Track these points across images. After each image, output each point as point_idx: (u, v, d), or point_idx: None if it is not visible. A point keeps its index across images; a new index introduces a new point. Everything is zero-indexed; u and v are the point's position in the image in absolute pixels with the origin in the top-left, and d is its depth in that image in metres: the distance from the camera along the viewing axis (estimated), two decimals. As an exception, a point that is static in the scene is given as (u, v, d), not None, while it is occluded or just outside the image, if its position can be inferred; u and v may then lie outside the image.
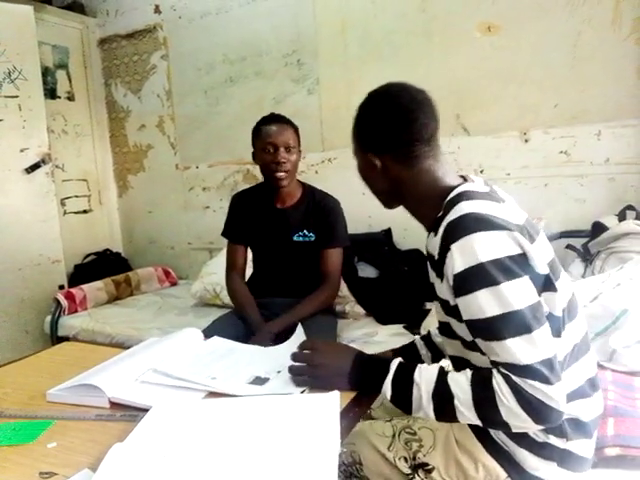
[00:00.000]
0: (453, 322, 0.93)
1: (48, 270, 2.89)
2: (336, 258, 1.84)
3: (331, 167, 2.81)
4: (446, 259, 0.85)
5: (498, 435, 0.93)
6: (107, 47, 3.48)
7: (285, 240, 1.83)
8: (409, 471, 0.98)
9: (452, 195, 0.92)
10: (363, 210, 2.62)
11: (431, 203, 0.95)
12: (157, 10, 3.23)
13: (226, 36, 3.01)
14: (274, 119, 1.79)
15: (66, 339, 2.39)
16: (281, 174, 1.74)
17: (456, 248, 0.83)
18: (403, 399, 0.87)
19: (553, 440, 0.89)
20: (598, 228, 2.07)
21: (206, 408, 0.87)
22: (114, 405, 0.92)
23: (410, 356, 1.19)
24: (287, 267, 1.85)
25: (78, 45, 3.38)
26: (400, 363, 0.91)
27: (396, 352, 1.21)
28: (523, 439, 0.91)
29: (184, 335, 1.20)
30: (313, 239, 1.82)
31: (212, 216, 3.20)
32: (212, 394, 0.94)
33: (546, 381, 0.77)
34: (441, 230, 0.88)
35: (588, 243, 2.09)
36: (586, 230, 2.11)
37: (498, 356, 0.81)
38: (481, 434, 0.95)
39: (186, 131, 3.28)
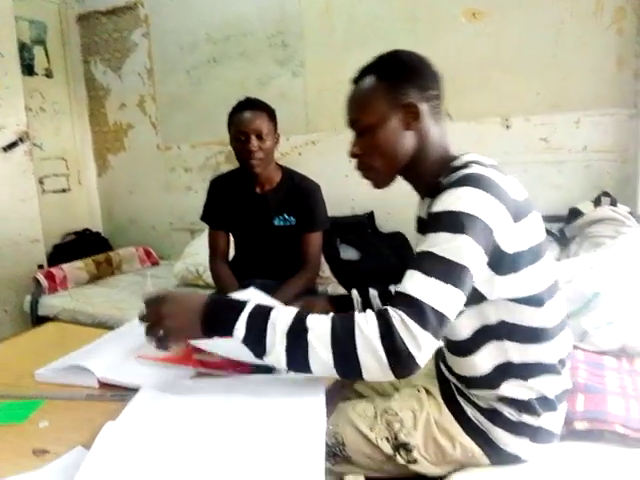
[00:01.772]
0: None
1: (27, 250, 2.85)
2: (316, 242, 1.85)
3: (315, 150, 2.81)
4: (434, 203, 0.86)
5: (475, 415, 0.98)
6: (86, 23, 3.39)
7: (266, 225, 1.84)
8: (391, 451, 1.01)
9: (459, 161, 0.94)
10: (346, 193, 2.66)
11: (437, 166, 0.97)
12: (138, -14, 3.15)
13: (209, 15, 2.96)
14: (247, 106, 1.76)
15: (46, 319, 2.37)
16: (253, 161, 1.73)
17: (446, 194, 0.85)
18: (256, 338, 0.78)
19: (526, 418, 0.94)
20: (574, 213, 2.13)
21: (194, 387, 0.89)
22: (103, 385, 0.94)
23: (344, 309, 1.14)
24: (268, 251, 1.86)
25: (56, 21, 3.29)
26: (257, 303, 0.82)
27: (333, 303, 1.22)
28: (498, 418, 0.95)
29: None
30: (294, 223, 1.83)
31: (194, 197, 3.18)
32: (200, 374, 0.96)
33: (424, 326, 0.73)
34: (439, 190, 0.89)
35: (564, 228, 2.15)
36: (563, 215, 2.17)
37: (401, 285, 0.79)
38: (459, 416, 1.00)
39: (168, 111, 3.23)
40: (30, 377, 0.99)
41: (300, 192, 1.83)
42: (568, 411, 1.04)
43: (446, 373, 1.07)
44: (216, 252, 1.89)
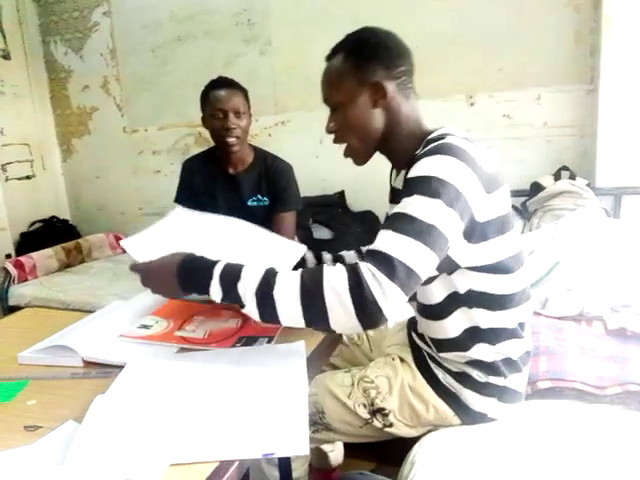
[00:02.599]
0: None
1: (-7, 238, 2.80)
2: (290, 222, 1.88)
3: (285, 130, 2.82)
4: (410, 170, 0.90)
5: (446, 379, 1.04)
6: (43, 2, 3.27)
7: (239, 205, 1.85)
8: (368, 416, 1.07)
9: (435, 134, 0.97)
10: (317, 173, 2.69)
11: (413, 140, 1.00)
12: (97, -38, 3.06)
13: (173, -8, 2.90)
14: (223, 84, 1.77)
15: (17, 308, 2.33)
16: (231, 139, 1.74)
17: (421, 162, 0.88)
18: (231, 298, 0.84)
19: (493, 379, 1.01)
20: (535, 188, 2.22)
21: (179, 361, 0.93)
22: (88, 364, 0.96)
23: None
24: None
25: (12, 0, 3.16)
26: (227, 263, 0.87)
27: None
28: (467, 380, 1.02)
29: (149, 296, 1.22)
30: (267, 203, 1.85)
31: (163, 180, 3.16)
32: (183, 349, 0.99)
33: (392, 277, 0.76)
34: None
35: (526, 202, 2.24)
36: (525, 190, 2.26)
37: (374, 244, 0.82)
38: (431, 380, 1.05)
39: (133, 92, 3.18)
40: (13, 361, 0.99)
41: (273, 172, 1.85)
42: (532, 372, 1.12)
43: (418, 341, 1.12)
44: None
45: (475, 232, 0.90)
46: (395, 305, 0.77)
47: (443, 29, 2.41)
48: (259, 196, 1.85)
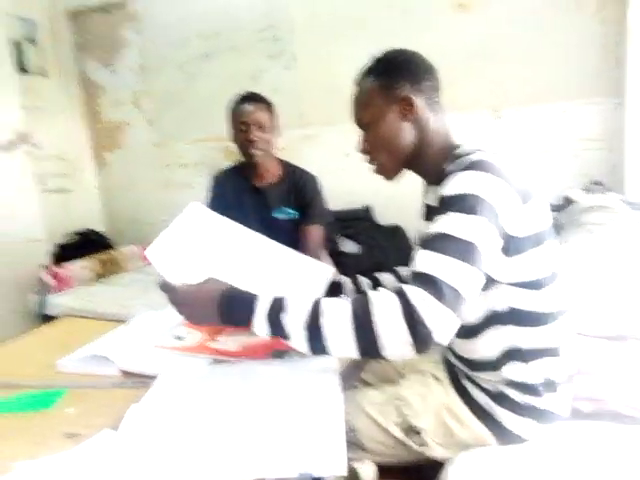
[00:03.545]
0: None
1: (29, 249, 2.88)
2: (317, 234, 1.90)
3: (310, 144, 2.85)
4: (443, 188, 0.90)
5: (481, 398, 1.02)
6: (77, 20, 3.39)
7: (267, 218, 1.87)
8: (401, 435, 1.04)
9: (463, 149, 0.98)
10: (343, 186, 2.70)
11: (442, 155, 1.01)
12: (129, -18, 3.17)
13: (199, 10, 2.97)
14: (247, 98, 1.82)
15: (53, 318, 2.40)
16: (255, 151, 1.78)
17: (455, 178, 0.88)
18: (277, 331, 0.83)
19: (530, 399, 0.98)
20: (566, 202, 2.18)
21: (212, 372, 0.95)
22: (124, 373, 0.99)
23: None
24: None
25: (46, 18, 3.27)
26: (270, 296, 0.86)
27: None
28: (503, 400, 0.99)
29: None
30: (295, 216, 1.88)
31: (192, 193, 3.19)
32: (217, 361, 1.01)
33: (442, 300, 0.75)
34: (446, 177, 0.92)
35: (557, 216, 2.21)
36: (554, 204, 2.23)
37: (416, 266, 0.81)
38: (466, 398, 1.03)
39: (162, 107, 3.25)
40: (51, 368, 1.03)
41: (301, 186, 1.87)
42: (572, 392, 1.10)
43: (451, 358, 1.10)
44: None
45: (511, 246, 0.90)
46: (446, 328, 0.77)
47: (467, 43, 2.41)
48: (287, 209, 1.87)
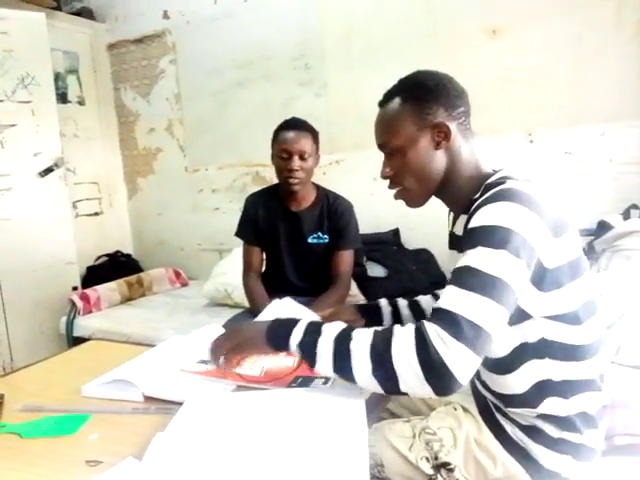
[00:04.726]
0: None
1: (61, 272, 2.94)
2: (348, 259, 1.88)
3: (339, 169, 2.86)
4: (471, 219, 0.87)
5: (515, 432, 0.96)
6: (116, 52, 3.54)
7: (300, 242, 1.87)
8: (431, 471, 0.99)
9: (495, 178, 0.94)
10: (371, 210, 2.69)
11: (471, 184, 0.97)
12: (165, 15, 3.29)
13: (234, 40, 3.06)
14: (292, 125, 1.81)
15: (81, 339, 2.43)
16: (294, 180, 1.77)
17: (483, 209, 0.85)
18: (309, 344, 0.87)
19: (567, 435, 0.92)
20: (603, 227, 2.11)
21: (236, 400, 0.92)
22: (148, 399, 0.97)
23: (372, 318, 1.22)
24: (301, 268, 1.90)
25: (88, 50, 3.44)
26: (311, 320, 0.92)
27: (360, 312, 1.24)
28: (538, 435, 0.94)
29: (209, 331, 1.25)
30: (327, 241, 1.87)
31: (221, 217, 3.25)
32: (240, 387, 0.99)
33: (459, 338, 0.74)
34: (474, 207, 0.89)
35: (593, 241, 2.13)
36: (591, 229, 2.15)
37: (439, 301, 0.80)
38: (498, 433, 0.98)
39: (195, 134, 3.33)
40: (77, 393, 1.02)
41: (334, 211, 1.87)
42: (608, 426, 1.02)
43: (482, 390, 1.05)
44: (250, 268, 1.93)
45: (546, 280, 0.86)
46: (465, 366, 0.74)
47: (499, 67, 2.40)
48: (319, 234, 1.86)
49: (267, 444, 0.76)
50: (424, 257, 2.60)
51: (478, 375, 1.06)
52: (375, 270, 2.56)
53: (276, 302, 1.30)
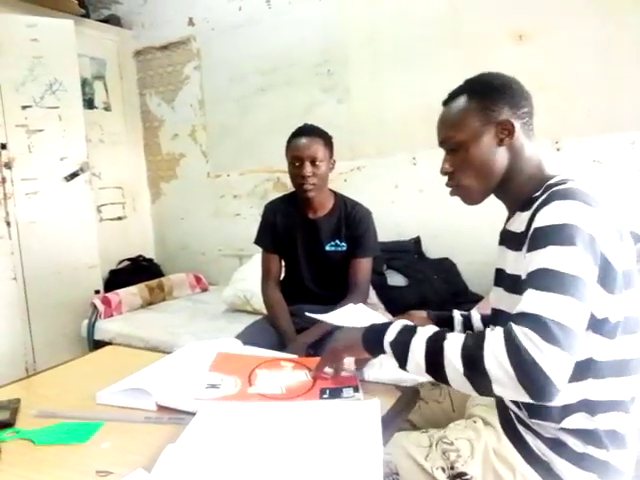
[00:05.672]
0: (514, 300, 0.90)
1: (85, 275, 2.99)
2: (366, 267, 1.86)
3: (360, 175, 2.84)
4: (536, 217, 0.87)
5: (536, 445, 0.93)
6: (142, 58, 3.59)
7: (318, 249, 1.86)
8: None
9: (557, 179, 0.94)
10: (392, 218, 2.66)
11: (532, 183, 0.97)
12: (191, 22, 3.32)
13: (257, 47, 3.08)
14: (304, 132, 1.80)
15: (102, 342, 2.46)
16: (307, 186, 1.76)
17: (549, 207, 0.85)
18: (401, 346, 0.90)
19: (592, 451, 0.89)
20: (633, 238, 2.04)
21: (251, 411, 0.90)
22: (161, 408, 0.96)
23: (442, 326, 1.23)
24: (319, 275, 1.88)
25: (114, 57, 3.50)
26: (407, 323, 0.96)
27: (432, 319, 1.25)
28: (562, 449, 0.90)
29: (225, 343, 1.24)
30: (345, 248, 1.84)
31: (242, 223, 3.26)
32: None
33: (550, 340, 0.73)
34: (535, 205, 0.90)
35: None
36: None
37: (522, 306, 0.79)
38: (519, 444, 0.95)
39: (217, 140, 3.35)
40: (91, 399, 1.02)
41: (352, 218, 1.84)
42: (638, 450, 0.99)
43: (506, 401, 1.02)
44: (269, 275, 1.92)
45: (613, 280, 0.84)
46: (560, 368, 0.73)
47: (525, 73, 2.28)
48: (337, 241, 1.84)
49: (280, 457, 0.75)
50: (446, 266, 2.55)
51: None
52: (395, 279, 2.52)
53: (351, 306, 1.34)
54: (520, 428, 0.97)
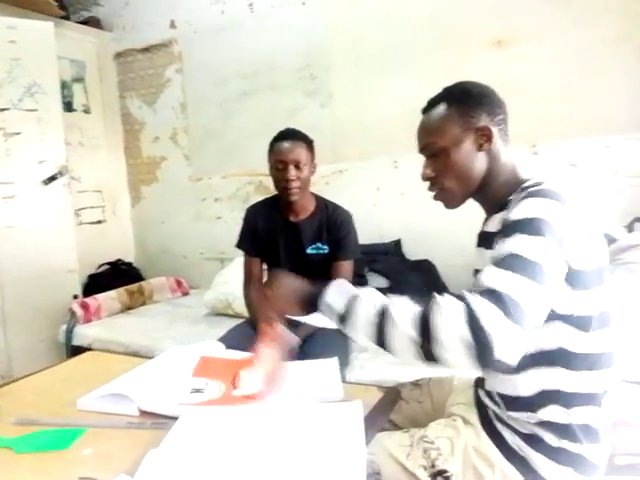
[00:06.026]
0: None
1: (63, 280, 2.94)
2: (347, 270, 1.87)
3: (342, 178, 2.86)
4: (510, 213, 0.89)
5: (514, 441, 0.96)
6: (123, 61, 3.56)
7: (299, 252, 1.86)
8: (428, 479, 0.99)
9: (531, 182, 0.97)
10: (373, 221, 2.69)
11: (508, 187, 1.01)
12: (172, 25, 3.31)
13: (240, 51, 3.08)
14: (287, 136, 1.81)
15: (80, 348, 2.42)
16: (290, 190, 1.77)
17: (522, 203, 0.88)
18: (338, 300, 0.89)
19: (567, 445, 0.92)
20: (607, 239, 2.07)
21: (233, 415, 0.91)
22: (143, 413, 0.96)
23: None
24: (300, 279, 1.88)
25: (94, 59, 3.46)
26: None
27: None
28: (538, 444, 0.93)
29: (207, 346, 1.24)
30: (326, 251, 1.86)
31: (224, 226, 3.25)
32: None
33: (505, 313, 0.73)
34: (511, 205, 0.92)
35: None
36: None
37: (481, 281, 0.80)
38: (498, 441, 0.98)
39: (200, 143, 3.34)
40: (72, 406, 1.02)
41: (334, 221, 1.86)
42: (610, 444, 1.02)
43: (485, 399, 1.05)
44: (251, 279, 1.92)
45: (576, 278, 0.87)
46: (510, 342, 0.73)
47: (504, 78, 2.36)
48: (319, 244, 1.85)
49: (265, 458, 0.75)
50: (426, 267, 2.58)
51: (482, 385, 1.07)
52: (377, 281, 2.54)
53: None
54: (498, 425, 0.99)
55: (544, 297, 0.79)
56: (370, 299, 0.87)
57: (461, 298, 0.78)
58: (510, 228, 0.86)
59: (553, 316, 0.89)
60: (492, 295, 0.76)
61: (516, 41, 2.37)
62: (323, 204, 1.91)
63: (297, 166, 1.76)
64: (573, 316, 0.90)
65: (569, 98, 2.29)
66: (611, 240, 2.07)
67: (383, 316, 0.83)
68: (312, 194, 1.92)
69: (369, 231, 2.64)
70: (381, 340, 0.83)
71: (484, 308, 0.74)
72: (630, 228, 2.09)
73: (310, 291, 0.97)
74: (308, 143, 1.82)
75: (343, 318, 0.88)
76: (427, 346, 0.78)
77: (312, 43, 2.86)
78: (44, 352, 2.73)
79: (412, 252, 2.68)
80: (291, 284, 1.03)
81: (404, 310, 0.82)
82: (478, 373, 1.11)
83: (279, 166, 1.77)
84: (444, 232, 2.49)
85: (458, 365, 0.76)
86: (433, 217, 2.49)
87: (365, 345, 0.93)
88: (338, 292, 0.91)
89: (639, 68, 2.17)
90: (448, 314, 0.76)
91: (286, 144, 1.78)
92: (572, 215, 0.86)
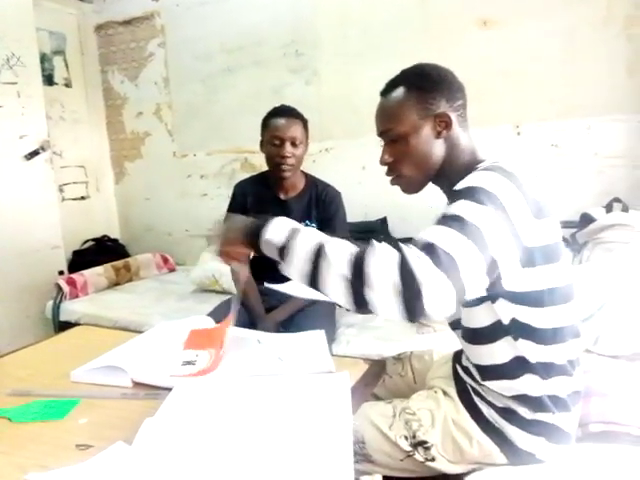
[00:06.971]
0: None
1: (48, 256, 2.92)
2: None
3: (328, 157, 2.87)
4: (457, 185, 0.91)
5: (490, 414, 1.01)
6: (103, 33, 3.48)
7: (288, 230, 1.88)
8: (409, 448, 1.04)
9: (488, 162, 0.98)
10: (359, 199, 2.70)
11: (467, 170, 0.99)
12: (155, -3, 3.23)
13: (224, 25, 3.03)
14: (284, 112, 1.82)
15: (68, 324, 2.42)
16: (284, 166, 1.78)
17: (469, 176, 0.91)
18: (278, 234, 0.88)
19: (540, 416, 0.97)
20: (586, 219, 2.15)
21: (225, 385, 0.94)
22: (137, 384, 0.99)
23: None
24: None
25: (75, 31, 3.38)
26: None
27: None
28: (513, 417, 0.98)
29: (197, 321, 1.27)
30: (315, 229, 1.88)
31: (209, 203, 3.25)
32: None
33: (437, 265, 0.72)
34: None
35: (576, 233, 2.18)
36: (574, 221, 2.19)
37: (419, 237, 0.79)
38: (475, 414, 1.02)
39: (184, 119, 3.30)
40: (66, 378, 1.03)
41: (323, 199, 1.88)
42: (583, 414, 1.07)
43: (462, 374, 1.09)
44: None
45: (521, 255, 0.87)
46: (438, 291, 0.72)
47: (490, 59, 2.41)
48: (308, 222, 1.87)
49: (256, 427, 0.79)
50: (411, 246, 2.62)
51: (459, 360, 1.11)
52: (362, 258, 2.57)
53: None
54: (476, 399, 1.04)
55: (481, 258, 0.77)
56: (309, 236, 0.84)
57: (398, 248, 0.77)
58: (455, 196, 0.87)
59: (500, 291, 0.91)
60: (426, 247, 0.75)
61: (502, 22, 2.38)
62: (313, 182, 1.93)
63: (293, 143, 1.77)
64: (517, 292, 0.91)
65: (553, 79, 2.32)
66: (590, 220, 2.13)
67: (319, 253, 0.80)
68: (302, 172, 1.93)
69: (355, 209, 2.64)
70: (314, 278, 0.80)
71: (417, 257, 0.73)
72: (609, 208, 2.15)
73: (252, 226, 0.95)
74: (304, 122, 1.84)
75: (281, 252, 0.86)
76: (358, 287, 0.75)
77: (298, 19, 2.83)
78: (31, 328, 2.72)
79: (398, 230, 2.71)
80: (236, 221, 1.02)
81: (340, 249, 0.79)
82: (457, 346, 1.15)
83: (275, 142, 1.77)
84: (429, 210, 2.52)
85: (386, 311, 0.75)
86: (418, 195, 2.52)
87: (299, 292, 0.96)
88: (278, 227, 0.90)
89: (620, 51, 2.20)
90: (381, 257, 0.75)
91: (283, 121, 1.78)
92: (518, 190, 0.86)
